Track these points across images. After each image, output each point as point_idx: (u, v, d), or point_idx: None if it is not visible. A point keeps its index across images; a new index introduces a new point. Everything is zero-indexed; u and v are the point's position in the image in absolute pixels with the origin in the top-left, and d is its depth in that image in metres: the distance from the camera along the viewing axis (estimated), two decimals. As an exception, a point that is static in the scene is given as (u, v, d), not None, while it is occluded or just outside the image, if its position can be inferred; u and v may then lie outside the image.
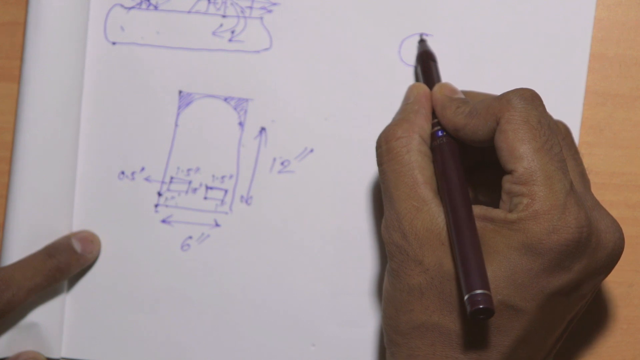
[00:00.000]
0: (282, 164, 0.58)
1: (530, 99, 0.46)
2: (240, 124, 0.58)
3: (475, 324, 0.45)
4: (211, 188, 0.58)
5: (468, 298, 0.42)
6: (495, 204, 0.47)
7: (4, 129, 0.60)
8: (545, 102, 0.54)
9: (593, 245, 0.46)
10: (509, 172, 0.46)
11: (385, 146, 0.49)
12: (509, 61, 0.56)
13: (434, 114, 0.50)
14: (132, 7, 0.59)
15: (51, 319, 0.58)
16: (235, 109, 0.58)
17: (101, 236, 0.59)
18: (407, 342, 0.47)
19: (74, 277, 0.59)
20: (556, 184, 0.45)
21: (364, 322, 0.57)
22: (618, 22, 0.56)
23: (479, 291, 0.42)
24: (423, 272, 0.46)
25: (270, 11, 0.58)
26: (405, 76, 0.57)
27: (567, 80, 0.56)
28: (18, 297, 0.55)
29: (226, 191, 0.58)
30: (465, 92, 0.51)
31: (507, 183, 0.46)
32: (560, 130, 0.48)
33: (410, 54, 0.57)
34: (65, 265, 0.57)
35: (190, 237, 0.58)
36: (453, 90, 0.51)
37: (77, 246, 0.57)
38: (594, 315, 0.57)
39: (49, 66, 0.57)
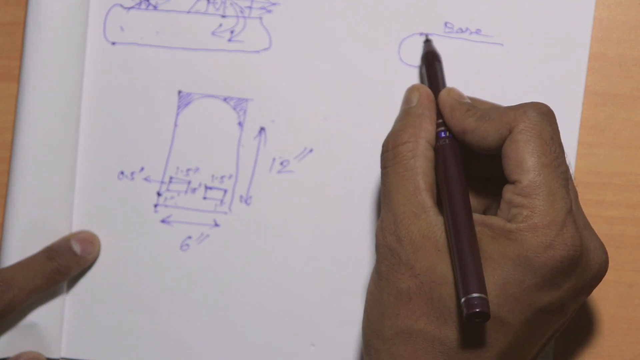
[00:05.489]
0: (281, 163, 0.58)
1: (546, 114, 0.47)
2: (240, 123, 0.58)
3: (463, 332, 0.45)
4: (210, 188, 0.58)
5: (465, 301, 0.42)
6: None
7: (4, 129, 0.60)
8: (544, 102, 0.54)
9: (583, 265, 0.46)
10: (512, 182, 0.46)
11: (393, 151, 0.49)
12: (509, 61, 0.56)
13: (438, 115, 0.50)
14: (132, 7, 0.59)
15: (51, 319, 0.58)
16: (234, 108, 0.58)
17: (101, 236, 0.59)
18: (389, 347, 0.46)
19: (74, 277, 0.59)
20: (558, 202, 0.45)
21: (363, 322, 0.57)
22: (618, 22, 0.56)
23: (476, 294, 0.42)
24: (413, 276, 0.46)
25: (269, 11, 0.58)
26: (405, 76, 0.57)
27: (566, 81, 0.56)
28: (19, 299, 0.55)
29: (225, 191, 0.58)
30: (471, 99, 0.51)
31: (508, 193, 0.46)
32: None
33: (410, 54, 0.57)
34: (65, 267, 0.57)
35: (190, 237, 0.58)
36: (460, 95, 0.51)
37: (77, 248, 0.57)
38: (594, 315, 0.57)
39: (49, 66, 0.57)
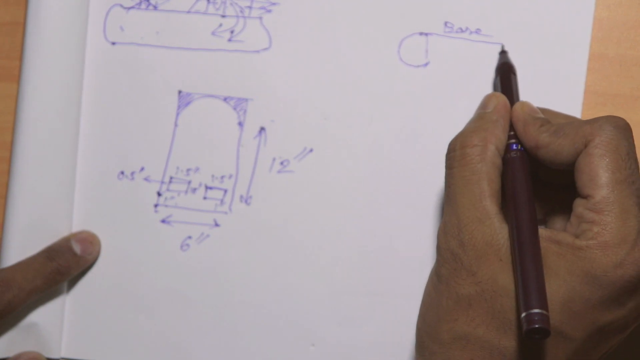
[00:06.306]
0: (281, 163, 0.58)
1: (623, 128, 0.46)
2: (240, 123, 0.58)
3: (522, 344, 0.44)
4: (211, 188, 0.58)
5: (525, 316, 0.42)
6: (542, 223, 0.47)
7: (4, 129, 0.60)
8: (544, 102, 0.54)
9: None
10: (584, 197, 0.45)
11: (460, 151, 0.48)
12: (509, 61, 0.56)
13: (510, 127, 0.50)
14: (132, 7, 0.59)
15: (51, 319, 0.58)
16: (234, 108, 0.58)
17: (101, 236, 0.59)
18: (445, 351, 0.46)
19: (74, 278, 0.59)
20: (631, 220, 0.44)
21: (363, 322, 0.57)
22: (618, 22, 0.56)
23: (536, 310, 0.42)
24: (475, 283, 0.45)
25: (269, 11, 0.58)
26: (405, 76, 0.57)
27: (566, 81, 0.56)
28: (19, 299, 0.55)
29: (226, 191, 0.58)
30: (543, 110, 0.51)
31: (580, 207, 0.46)
32: None
33: (410, 54, 0.57)
34: (65, 268, 0.57)
35: (190, 237, 0.58)
36: (534, 109, 0.50)
37: (77, 248, 0.57)
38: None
39: (49, 66, 0.58)
